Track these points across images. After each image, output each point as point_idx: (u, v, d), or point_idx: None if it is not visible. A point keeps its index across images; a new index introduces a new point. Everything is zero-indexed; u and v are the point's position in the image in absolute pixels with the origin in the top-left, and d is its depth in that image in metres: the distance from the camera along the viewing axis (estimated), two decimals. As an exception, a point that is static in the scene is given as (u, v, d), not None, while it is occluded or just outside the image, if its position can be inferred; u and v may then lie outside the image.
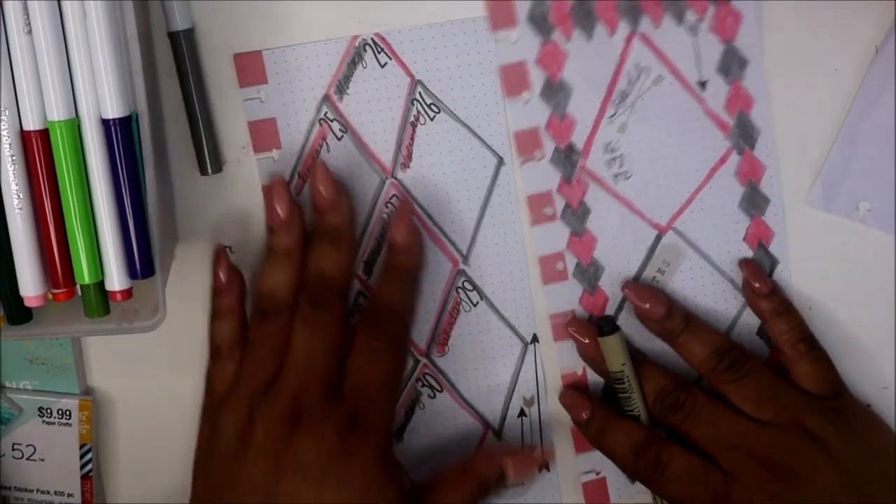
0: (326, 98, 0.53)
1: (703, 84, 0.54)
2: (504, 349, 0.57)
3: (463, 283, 0.56)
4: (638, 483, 0.59)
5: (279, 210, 0.52)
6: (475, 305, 0.57)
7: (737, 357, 0.54)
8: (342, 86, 0.53)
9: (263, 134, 0.54)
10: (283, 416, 0.49)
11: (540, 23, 0.53)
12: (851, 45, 0.54)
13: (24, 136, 0.47)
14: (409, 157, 0.54)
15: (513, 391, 0.58)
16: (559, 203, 0.56)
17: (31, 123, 0.46)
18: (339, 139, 0.54)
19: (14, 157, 0.47)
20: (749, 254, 0.57)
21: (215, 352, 0.53)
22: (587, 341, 0.56)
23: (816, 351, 0.55)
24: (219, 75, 0.53)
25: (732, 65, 0.54)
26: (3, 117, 0.46)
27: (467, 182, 0.55)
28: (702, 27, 0.54)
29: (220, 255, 0.54)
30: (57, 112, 0.46)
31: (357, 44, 0.53)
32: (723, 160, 0.56)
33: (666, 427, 0.55)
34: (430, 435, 0.58)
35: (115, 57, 0.46)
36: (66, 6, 0.45)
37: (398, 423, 0.58)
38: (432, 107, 0.54)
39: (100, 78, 0.46)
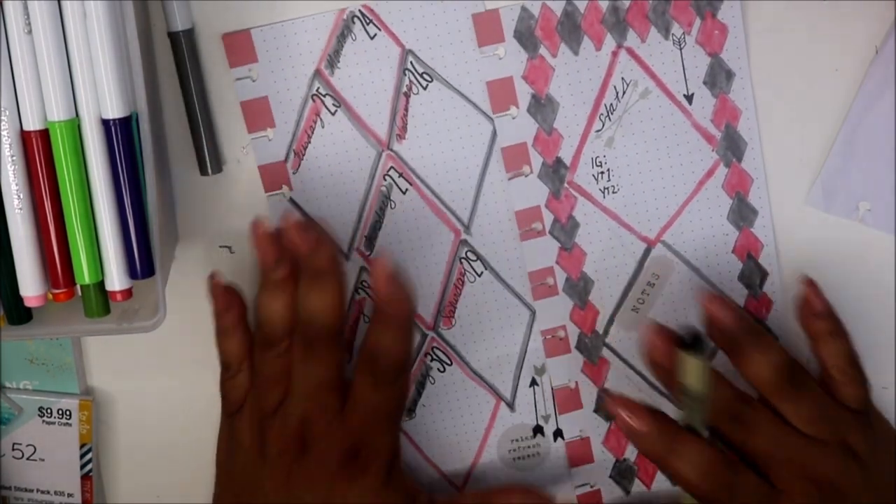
0: (318, 73, 0.53)
1: (689, 97, 0.54)
2: (511, 318, 0.57)
3: (466, 254, 0.56)
4: (632, 494, 0.58)
5: (266, 251, 0.51)
6: (479, 276, 0.56)
7: (797, 374, 0.52)
8: (333, 60, 0.53)
9: (256, 113, 0.54)
10: (292, 438, 0.51)
11: (526, 38, 0.53)
12: (851, 45, 0.54)
13: (25, 137, 0.47)
14: (405, 127, 0.54)
15: (523, 360, 0.57)
16: (548, 218, 0.56)
17: (32, 123, 0.46)
18: (332, 114, 0.54)
19: (14, 158, 0.47)
20: (738, 266, 0.56)
21: (225, 366, 0.54)
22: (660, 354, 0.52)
23: (861, 373, 0.53)
24: (215, 62, 0.53)
25: (719, 77, 0.54)
26: (3, 117, 0.46)
27: (464, 150, 0.54)
28: (688, 40, 0.54)
29: (214, 280, 0.54)
30: (57, 112, 0.46)
31: (345, 16, 0.53)
32: (710, 173, 0.55)
33: (719, 435, 0.52)
34: (441, 409, 0.58)
35: (115, 57, 0.46)
36: (66, 6, 0.46)
37: (410, 399, 0.57)
38: (424, 76, 0.53)
39: (100, 78, 0.46)
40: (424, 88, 0.54)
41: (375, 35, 0.53)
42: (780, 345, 0.53)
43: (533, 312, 0.56)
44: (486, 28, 0.53)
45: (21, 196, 0.47)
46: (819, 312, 0.53)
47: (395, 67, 0.53)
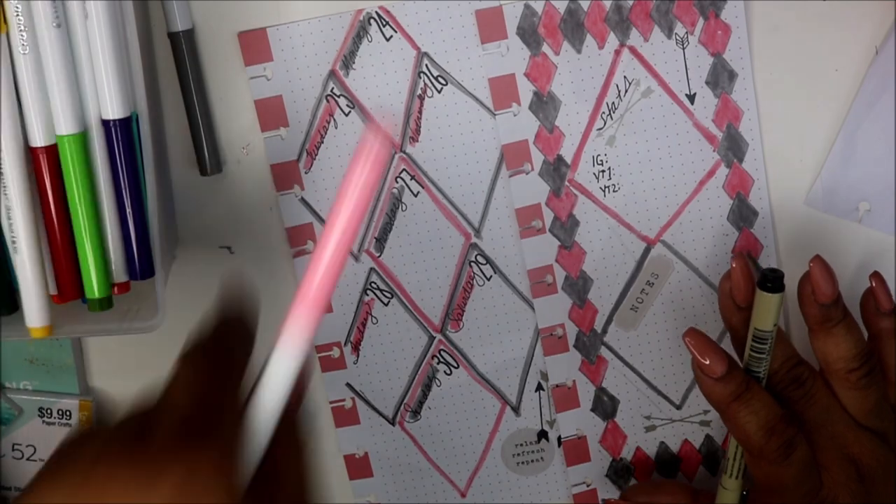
0: (332, 74, 0.48)
1: (691, 97, 0.49)
2: (519, 323, 0.51)
3: (476, 257, 0.50)
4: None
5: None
6: (489, 279, 0.51)
7: (874, 365, 0.46)
8: (348, 61, 0.48)
9: (270, 112, 0.48)
10: None
11: (529, 35, 0.48)
12: (851, 45, 0.48)
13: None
14: (418, 130, 0.49)
15: (529, 365, 0.52)
16: (548, 216, 0.50)
17: (39, 140, 0.42)
18: (346, 115, 0.49)
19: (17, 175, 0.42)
20: (738, 266, 0.51)
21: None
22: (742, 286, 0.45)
23: None
24: (225, 60, 0.48)
25: (721, 77, 0.49)
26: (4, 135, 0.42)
27: (476, 154, 0.49)
28: (691, 40, 0.48)
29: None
30: (66, 126, 0.42)
31: (362, 17, 0.48)
32: (711, 173, 0.50)
33: (775, 396, 0.46)
34: (447, 412, 0.52)
35: (116, 58, 0.42)
36: (68, 6, 0.41)
37: (415, 401, 0.52)
38: (439, 79, 0.48)
39: (100, 79, 0.42)
40: (439, 91, 0.48)
41: (391, 37, 0.48)
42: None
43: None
44: (489, 25, 0.48)
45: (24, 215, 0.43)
46: (886, 311, 0.47)
47: (409, 69, 0.48)
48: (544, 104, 0.49)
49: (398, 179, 0.49)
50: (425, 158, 0.49)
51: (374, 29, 0.48)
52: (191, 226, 0.50)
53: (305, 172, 0.49)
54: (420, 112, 0.49)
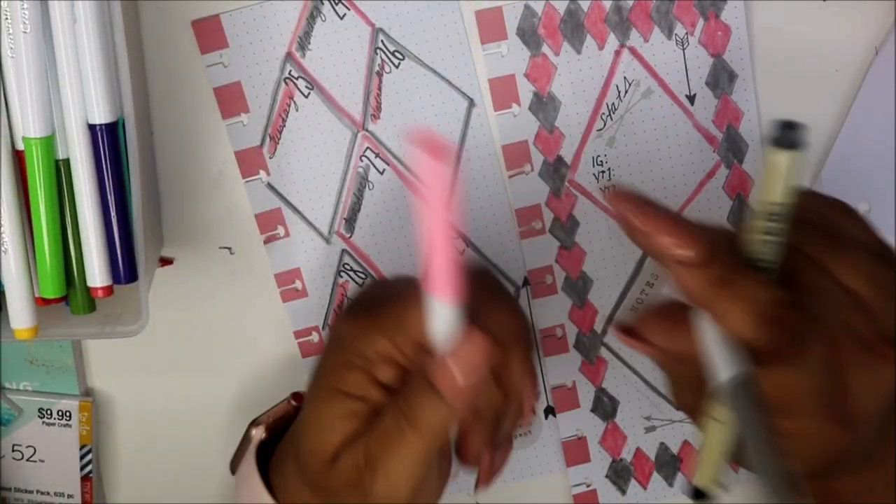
0: (289, 56, 0.47)
1: (691, 98, 0.48)
2: None
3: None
4: (628, 494, 0.53)
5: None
6: (462, 254, 0.50)
7: None
8: (303, 42, 0.47)
9: (230, 99, 0.47)
10: None
11: (529, 36, 0.47)
12: (851, 45, 0.48)
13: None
14: (379, 107, 0.48)
15: None
16: (548, 216, 0.49)
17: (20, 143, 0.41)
18: (305, 97, 0.48)
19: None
20: (738, 267, 0.50)
21: None
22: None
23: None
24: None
25: (721, 78, 0.48)
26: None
27: (440, 127, 0.48)
28: (691, 41, 0.48)
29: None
30: (33, 129, 0.40)
31: None
32: (711, 174, 0.49)
33: None
34: None
35: (103, 62, 0.40)
36: (55, 7, 0.39)
37: None
38: (396, 54, 0.47)
39: (87, 83, 0.40)
40: (396, 67, 0.47)
41: (345, 15, 0.47)
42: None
43: (517, 289, 0.50)
44: (489, 25, 0.47)
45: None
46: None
47: (366, 46, 0.47)
48: (544, 105, 0.48)
49: (363, 158, 0.48)
50: (388, 135, 0.48)
51: (326, 8, 0.47)
52: (191, 227, 0.49)
53: (270, 157, 0.48)
54: (379, 89, 0.48)
